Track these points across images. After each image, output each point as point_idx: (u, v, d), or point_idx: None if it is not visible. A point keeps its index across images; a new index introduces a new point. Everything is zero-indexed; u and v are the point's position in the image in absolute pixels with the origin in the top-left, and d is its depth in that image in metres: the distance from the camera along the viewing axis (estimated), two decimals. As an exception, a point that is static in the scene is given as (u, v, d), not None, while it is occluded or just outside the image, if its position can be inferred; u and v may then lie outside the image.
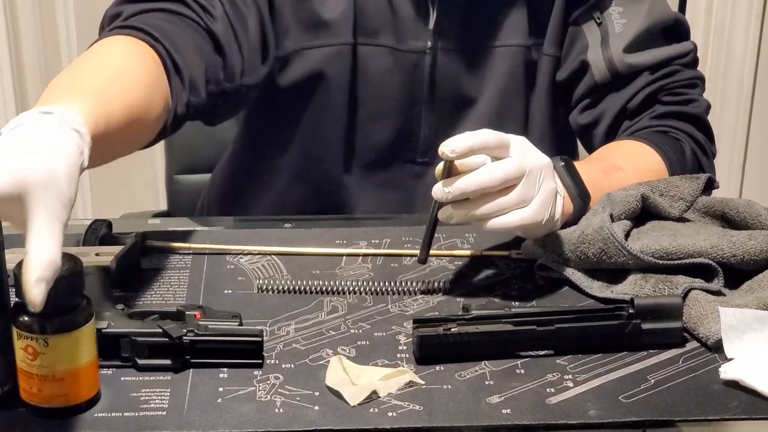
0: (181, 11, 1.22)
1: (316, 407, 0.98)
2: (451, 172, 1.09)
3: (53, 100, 0.97)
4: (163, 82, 1.14)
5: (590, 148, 1.40)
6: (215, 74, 1.24)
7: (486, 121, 1.37)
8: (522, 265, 1.21)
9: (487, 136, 1.08)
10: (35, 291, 0.86)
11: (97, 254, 1.16)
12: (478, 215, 1.09)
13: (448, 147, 1.06)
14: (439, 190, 1.09)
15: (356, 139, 1.39)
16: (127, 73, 1.09)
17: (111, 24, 1.20)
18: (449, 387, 1.01)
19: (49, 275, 0.86)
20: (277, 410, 0.98)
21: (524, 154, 1.10)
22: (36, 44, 2.12)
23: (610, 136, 1.37)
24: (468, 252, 1.24)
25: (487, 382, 1.02)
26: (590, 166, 1.24)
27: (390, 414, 0.98)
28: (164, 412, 0.97)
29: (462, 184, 1.08)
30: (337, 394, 1.00)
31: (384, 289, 1.16)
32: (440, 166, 1.10)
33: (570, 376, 1.03)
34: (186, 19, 1.22)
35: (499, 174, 1.08)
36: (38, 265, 0.86)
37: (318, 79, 1.36)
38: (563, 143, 1.43)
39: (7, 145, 0.89)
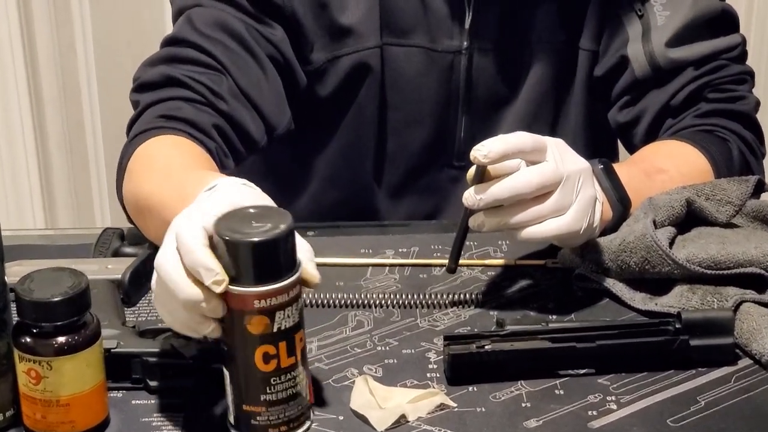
0: (191, 97, 1.20)
1: (341, 433, 0.92)
2: (483, 177, 1.03)
3: (183, 182, 0.99)
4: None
5: (630, 148, 1.33)
6: (238, 148, 1.24)
7: (523, 122, 1.32)
8: (558, 275, 1.14)
9: (522, 139, 1.02)
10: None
11: (107, 266, 1.10)
12: (512, 224, 1.03)
13: (481, 151, 1.00)
14: (470, 197, 1.02)
15: (390, 144, 1.35)
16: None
17: (139, 116, 1.21)
18: (483, 410, 0.95)
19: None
20: (298, 436, 0.91)
21: (562, 158, 1.04)
22: (51, 45, 2.07)
23: (652, 135, 1.30)
24: (501, 261, 1.17)
25: (524, 405, 0.95)
26: (631, 169, 1.17)
27: (420, 440, 0.91)
28: (177, 439, 0.91)
29: (495, 191, 1.01)
30: (363, 419, 0.93)
31: (412, 301, 1.10)
32: (472, 171, 1.03)
33: (613, 398, 0.96)
34: (197, 104, 1.20)
35: (535, 180, 1.02)
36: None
37: (350, 85, 1.31)
38: (600, 143, 1.37)
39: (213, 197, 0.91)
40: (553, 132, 1.31)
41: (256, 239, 0.85)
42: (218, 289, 0.85)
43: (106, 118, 2.08)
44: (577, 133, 1.34)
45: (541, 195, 1.03)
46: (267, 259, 0.86)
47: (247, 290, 0.86)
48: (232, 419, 0.90)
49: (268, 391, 0.88)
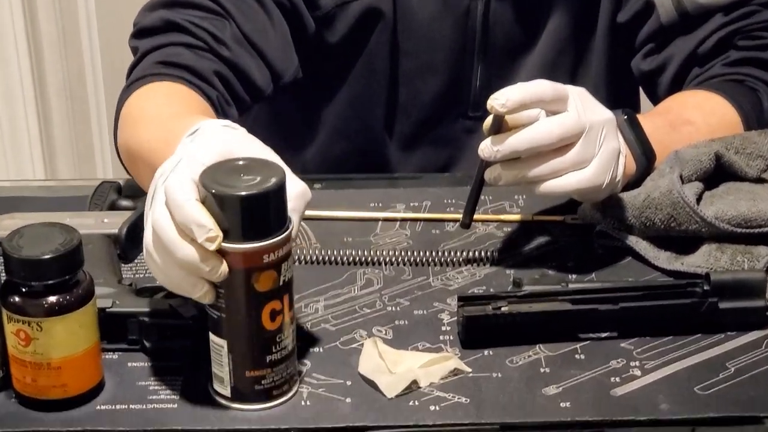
0: (191, 43, 1.15)
1: (348, 399, 0.87)
2: (500, 127, 0.97)
3: (173, 130, 0.92)
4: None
5: (654, 99, 1.27)
6: (241, 96, 1.19)
7: (542, 70, 1.27)
8: (578, 232, 1.09)
9: (542, 87, 0.97)
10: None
11: (104, 220, 1.04)
12: (531, 177, 0.98)
13: (498, 100, 0.95)
14: (486, 148, 0.97)
15: (402, 93, 1.29)
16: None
17: (138, 63, 1.15)
18: (499, 375, 0.90)
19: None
20: (303, 403, 0.86)
21: (584, 107, 0.98)
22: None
23: (677, 84, 1.24)
24: (517, 217, 1.11)
25: (542, 370, 0.90)
26: (656, 120, 1.12)
27: (432, 407, 0.86)
28: (175, 405, 0.86)
29: (513, 142, 0.96)
30: (372, 384, 0.88)
31: (424, 259, 1.04)
32: (488, 121, 0.98)
33: (637, 363, 0.91)
34: (198, 50, 1.15)
35: (556, 131, 0.96)
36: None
37: (361, 31, 1.26)
38: (622, 94, 1.32)
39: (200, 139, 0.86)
40: (573, 81, 1.25)
41: (254, 191, 0.80)
42: (211, 246, 0.80)
43: (108, 65, 2.02)
44: (599, 83, 1.29)
45: (561, 147, 0.98)
46: (268, 211, 0.81)
47: (259, 245, 0.81)
48: (228, 392, 0.85)
49: (274, 350, 0.84)
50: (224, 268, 0.81)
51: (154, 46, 1.15)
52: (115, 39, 1.99)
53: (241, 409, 0.85)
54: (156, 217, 0.82)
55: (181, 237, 0.80)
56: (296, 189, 0.85)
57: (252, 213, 0.80)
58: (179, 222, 0.80)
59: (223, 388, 0.85)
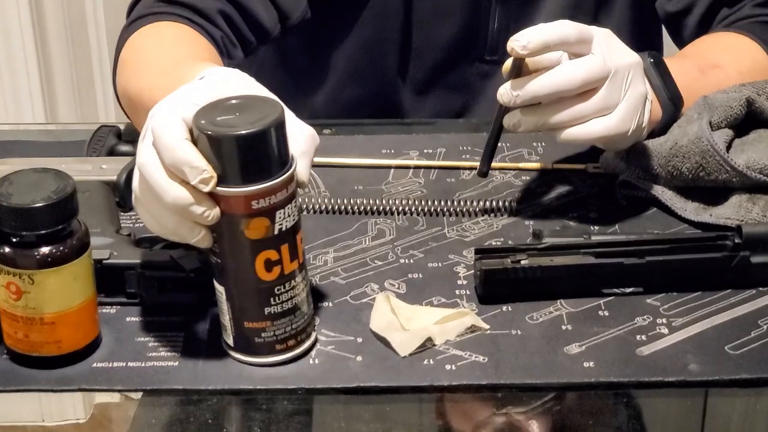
0: None
1: (359, 358, 0.82)
2: (520, 71, 0.92)
3: (178, 77, 0.87)
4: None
5: (680, 41, 1.21)
6: (247, 37, 1.14)
7: (563, 12, 1.20)
8: (601, 182, 1.03)
9: (566, 28, 0.92)
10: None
11: (102, 166, 0.99)
12: (552, 123, 0.93)
13: (519, 42, 0.90)
14: (506, 93, 0.92)
15: (416, 36, 1.23)
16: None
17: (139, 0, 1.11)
18: (519, 333, 0.85)
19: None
20: (311, 361, 0.82)
21: (609, 50, 0.93)
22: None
23: (704, 26, 1.18)
24: (537, 165, 1.06)
25: (564, 327, 0.85)
26: (683, 64, 1.06)
27: (448, 367, 0.81)
28: (176, 363, 0.82)
29: (534, 86, 0.91)
30: (385, 342, 0.83)
31: (439, 208, 0.99)
32: (508, 64, 0.93)
33: (664, 320, 0.86)
34: None
35: (580, 74, 0.91)
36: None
37: None
38: (645, 37, 1.25)
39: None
40: (595, 23, 1.18)
41: (244, 131, 0.75)
42: (206, 188, 0.75)
43: (110, 6, 1.95)
44: (622, 26, 1.23)
45: (585, 92, 0.93)
46: (260, 153, 0.76)
47: (242, 190, 0.76)
48: (231, 341, 0.81)
49: (272, 302, 0.79)
50: (216, 211, 0.76)
51: None
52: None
53: (244, 361, 0.81)
54: (143, 160, 0.77)
55: (171, 179, 0.75)
56: (304, 132, 0.80)
57: (242, 154, 0.75)
58: (169, 164, 0.75)
59: (227, 336, 0.81)
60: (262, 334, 0.80)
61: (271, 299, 0.79)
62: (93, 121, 1.97)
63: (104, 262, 0.85)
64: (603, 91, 0.92)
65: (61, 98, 1.98)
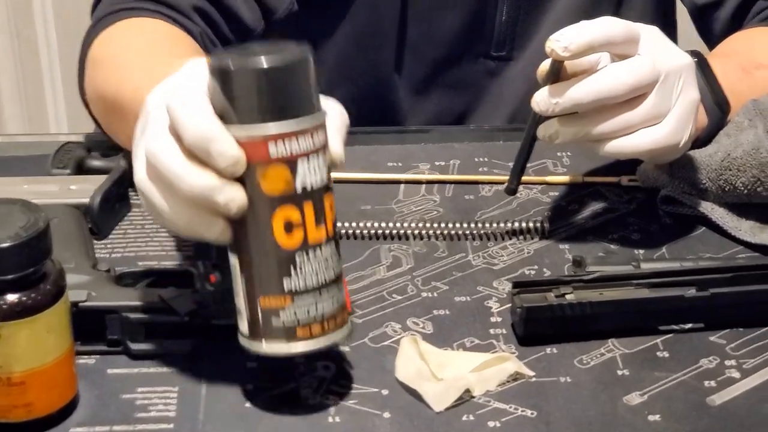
0: None
1: (386, 414, 0.70)
2: (559, 75, 0.81)
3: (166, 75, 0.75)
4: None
5: (709, 37, 1.12)
6: (227, 37, 1.06)
7: (579, 6, 1.09)
8: (639, 197, 0.93)
9: (612, 26, 0.82)
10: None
11: (70, 187, 0.87)
12: (595, 135, 0.82)
13: (560, 42, 0.80)
14: (543, 100, 0.81)
15: (414, 30, 1.13)
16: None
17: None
18: (568, 380, 0.73)
19: None
20: (330, 419, 0.70)
21: (658, 51, 0.84)
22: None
23: (737, 21, 1.08)
24: (565, 178, 0.95)
25: (620, 372, 0.74)
26: (724, 63, 0.96)
27: (491, 424, 0.70)
28: (170, 425, 0.70)
29: (576, 93, 0.81)
30: (415, 394, 0.71)
31: (461, 231, 0.87)
32: (545, 67, 0.82)
33: (733, 362, 0.75)
34: None
35: (627, 79, 0.81)
36: None
37: None
38: (670, 34, 1.14)
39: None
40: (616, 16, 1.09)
41: (265, 60, 0.66)
42: (238, 171, 0.65)
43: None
44: (645, 22, 1.12)
45: (631, 99, 0.82)
46: (282, 89, 0.66)
47: (258, 131, 0.65)
48: (244, 327, 0.69)
49: (292, 273, 0.67)
50: (243, 198, 0.65)
51: None
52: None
53: (259, 351, 0.68)
54: (156, 146, 0.67)
55: (190, 163, 0.65)
56: (336, 108, 0.71)
57: (260, 86, 0.65)
58: (192, 141, 0.65)
59: (242, 322, 0.69)
60: (281, 314, 0.67)
61: (292, 268, 0.67)
62: (42, 131, 1.81)
63: (81, 305, 0.73)
64: (652, 98, 0.82)
65: (6, 107, 1.83)
